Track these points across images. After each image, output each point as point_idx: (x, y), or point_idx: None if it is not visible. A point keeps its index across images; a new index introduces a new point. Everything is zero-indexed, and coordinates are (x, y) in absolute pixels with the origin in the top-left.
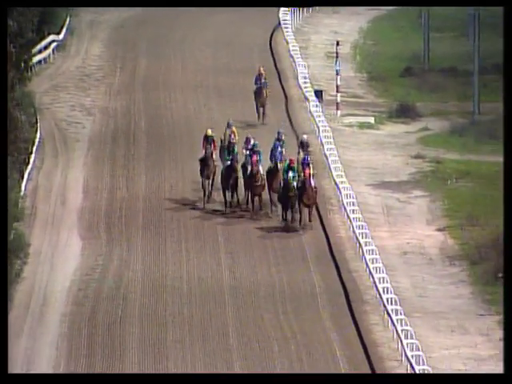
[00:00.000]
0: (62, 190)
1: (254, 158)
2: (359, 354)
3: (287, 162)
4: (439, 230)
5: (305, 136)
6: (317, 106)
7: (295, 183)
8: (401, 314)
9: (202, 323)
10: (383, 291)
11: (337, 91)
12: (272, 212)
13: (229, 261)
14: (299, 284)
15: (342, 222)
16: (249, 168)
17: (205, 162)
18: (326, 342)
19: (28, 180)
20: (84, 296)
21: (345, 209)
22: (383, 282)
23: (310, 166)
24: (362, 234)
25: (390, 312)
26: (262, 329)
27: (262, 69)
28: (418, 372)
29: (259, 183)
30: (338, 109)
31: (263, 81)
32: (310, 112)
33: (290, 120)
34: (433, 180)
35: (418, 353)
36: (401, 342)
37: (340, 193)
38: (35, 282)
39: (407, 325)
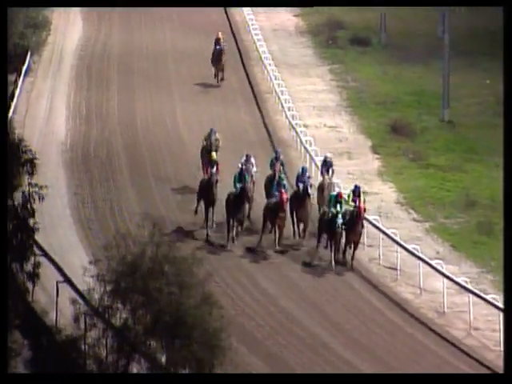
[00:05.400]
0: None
1: (284, 196)
2: (254, 105)
3: (335, 194)
4: (295, 16)
5: (329, 154)
6: None
7: (342, 220)
8: (273, 66)
9: (156, 73)
10: (262, 52)
11: None
12: (298, 244)
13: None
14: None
15: (243, 17)
16: (274, 199)
17: (206, 191)
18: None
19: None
20: (84, 54)
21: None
22: (262, 47)
23: (362, 195)
24: (250, 19)
25: (267, 64)
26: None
27: (219, 34)
28: (297, 130)
29: (283, 214)
30: None
31: (222, 44)
32: None
33: None
34: None
35: (282, 88)
36: (273, 84)
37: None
38: (55, 46)
39: (277, 72)
